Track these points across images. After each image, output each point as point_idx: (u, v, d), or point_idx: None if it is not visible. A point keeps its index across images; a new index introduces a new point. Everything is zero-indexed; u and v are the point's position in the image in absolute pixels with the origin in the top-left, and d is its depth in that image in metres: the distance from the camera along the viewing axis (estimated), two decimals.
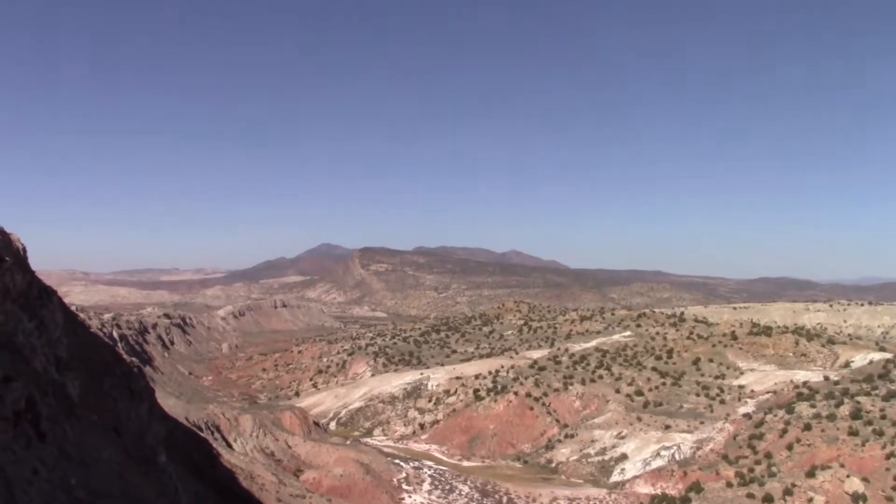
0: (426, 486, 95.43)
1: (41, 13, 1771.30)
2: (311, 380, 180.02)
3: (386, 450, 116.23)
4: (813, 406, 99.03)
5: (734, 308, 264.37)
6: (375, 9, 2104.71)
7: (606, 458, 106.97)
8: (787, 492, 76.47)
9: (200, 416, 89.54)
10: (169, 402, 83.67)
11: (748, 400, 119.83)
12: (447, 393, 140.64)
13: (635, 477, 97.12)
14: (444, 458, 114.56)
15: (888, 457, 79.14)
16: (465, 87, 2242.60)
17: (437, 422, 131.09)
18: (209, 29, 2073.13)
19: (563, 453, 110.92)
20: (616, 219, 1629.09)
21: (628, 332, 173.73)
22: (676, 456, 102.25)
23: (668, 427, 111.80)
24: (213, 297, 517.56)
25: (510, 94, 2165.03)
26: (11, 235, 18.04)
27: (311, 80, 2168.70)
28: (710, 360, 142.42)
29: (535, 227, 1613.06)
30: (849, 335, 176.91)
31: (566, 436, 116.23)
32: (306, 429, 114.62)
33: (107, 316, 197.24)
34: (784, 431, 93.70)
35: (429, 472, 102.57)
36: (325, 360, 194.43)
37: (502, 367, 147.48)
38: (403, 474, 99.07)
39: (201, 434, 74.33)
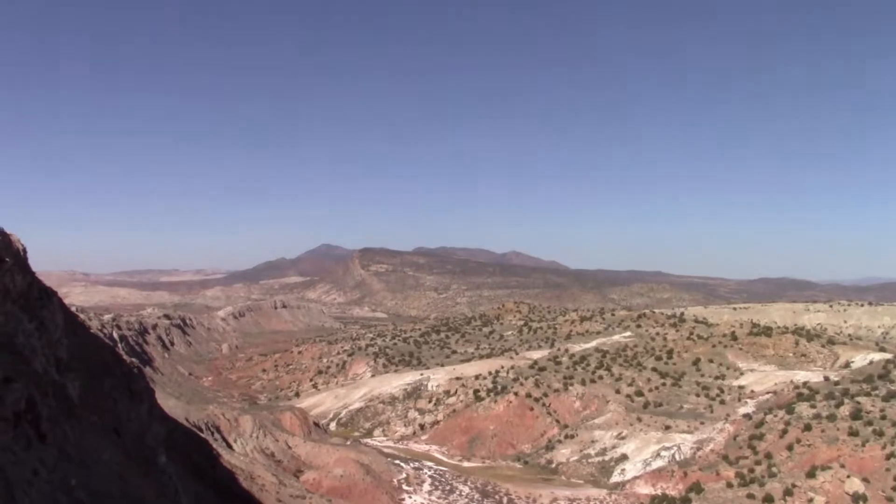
0: (426, 487, 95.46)
1: (41, 13, 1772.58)
2: (311, 380, 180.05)
3: (386, 450, 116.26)
4: (813, 406, 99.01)
5: (734, 308, 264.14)
6: (375, 9, 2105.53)
7: (606, 458, 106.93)
8: (788, 492, 76.49)
9: (200, 417, 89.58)
10: (169, 403, 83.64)
11: (748, 400, 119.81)
12: (447, 393, 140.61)
13: (635, 477, 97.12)
14: (445, 459, 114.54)
15: (888, 457, 79.16)
16: (465, 87, 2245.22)
17: (437, 422, 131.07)
18: (209, 29, 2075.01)
19: (564, 454, 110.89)
20: (616, 219, 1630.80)
21: (628, 333, 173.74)
22: (677, 456, 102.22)
23: (668, 427, 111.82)
24: (213, 297, 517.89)
25: (510, 94, 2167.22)
26: (11, 236, 18.04)
27: (311, 80, 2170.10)
28: (710, 361, 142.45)
29: (535, 228, 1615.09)
30: (849, 335, 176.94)
31: (566, 436, 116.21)
32: (306, 429, 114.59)
33: (107, 317, 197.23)
34: (784, 432, 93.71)
35: (429, 473, 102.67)
36: (325, 360, 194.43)
37: (502, 367, 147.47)
38: (403, 475, 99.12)
39: (201, 435, 74.31)
